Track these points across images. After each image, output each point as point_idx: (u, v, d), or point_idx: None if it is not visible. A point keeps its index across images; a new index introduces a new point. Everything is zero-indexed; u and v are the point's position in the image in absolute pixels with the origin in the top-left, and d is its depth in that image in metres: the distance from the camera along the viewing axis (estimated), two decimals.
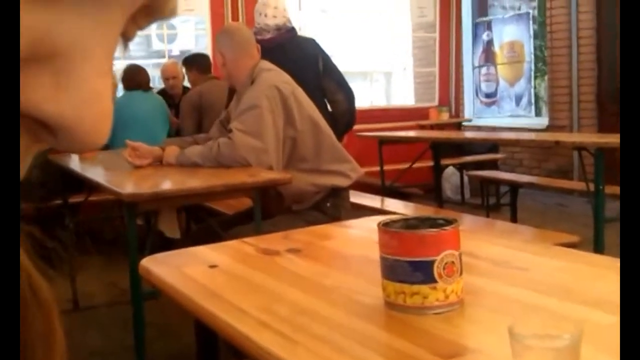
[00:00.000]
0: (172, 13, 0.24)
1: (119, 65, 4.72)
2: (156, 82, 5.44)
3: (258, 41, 3.33)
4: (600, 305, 0.88)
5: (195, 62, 4.58)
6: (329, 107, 3.50)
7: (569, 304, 0.90)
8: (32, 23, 0.19)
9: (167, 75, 5.02)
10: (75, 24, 0.20)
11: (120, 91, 4.56)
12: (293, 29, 3.54)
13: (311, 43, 3.56)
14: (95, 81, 0.21)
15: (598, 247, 3.09)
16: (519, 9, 7.56)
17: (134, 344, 2.17)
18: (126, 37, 0.23)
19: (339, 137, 3.49)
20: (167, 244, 1.64)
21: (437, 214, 3.17)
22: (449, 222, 0.94)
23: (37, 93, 0.20)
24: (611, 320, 0.83)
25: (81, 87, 0.21)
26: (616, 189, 3.76)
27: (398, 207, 3.78)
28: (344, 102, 3.55)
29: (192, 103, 4.20)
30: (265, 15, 3.43)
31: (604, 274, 1.04)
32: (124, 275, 2.26)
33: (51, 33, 0.20)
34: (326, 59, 3.52)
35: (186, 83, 5.13)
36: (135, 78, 4.48)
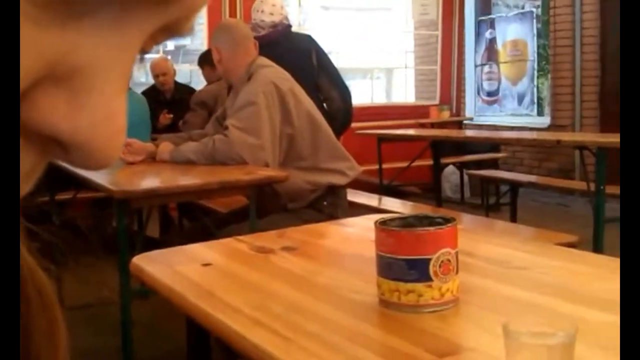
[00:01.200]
0: (190, 31, 0.24)
1: None
2: (149, 78, 5.40)
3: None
4: (597, 304, 0.87)
5: (205, 59, 4.41)
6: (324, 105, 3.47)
7: (565, 302, 0.89)
8: (51, 43, 0.19)
9: (157, 72, 4.94)
10: (94, 44, 0.21)
11: None
12: (289, 25, 3.51)
13: (305, 39, 3.50)
14: (111, 100, 0.21)
15: (597, 247, 3.07)
16: (523, 7, 7.55)
17: (121, 344, 2.14)
18: (143, 52, 0.24)
19: (335, 136, 3.45)
20: (157, 244, 1.62)
21: (436, 213, 3.15)
22: (446, 220, 0.93)
23: (53, 111, 0.20)
24: (607, 319, 0.82)
25: (97, 106, 0.21)
26: (617, 189, 3.74)
27: (396, 205, 3.76)
28: (338, 99, 3.50)
29: (203, 102, 4.07)
30: (262, 12, 3.39)
31: (600, 273, 1.04)
32: (112, 275, 2.22)
33: (70, 53, 0.20)
34: (321, 55, 3.46)
35: (177, 79, 5.09)
36: None
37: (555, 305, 0.89)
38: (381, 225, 0.93)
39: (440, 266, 0.89)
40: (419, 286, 0.89)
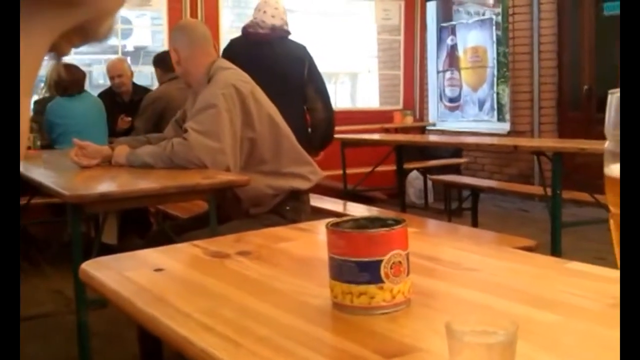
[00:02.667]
0: (107, 36, 0.24)
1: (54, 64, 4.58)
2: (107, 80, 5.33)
3: (250, 34, 3.41)
4: (543, 305, 0.88)
5: (160, 61, 4.41)
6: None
7: (513, 303, 0.90)
8: None
9: (113, 74, 4.85)
10: None
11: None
12: (287, 32, 3.57)
13: (301, 48, 3.57)
14: None
15: (555, 251, 3.12)
16: (483, 14, 7.66)
17: (78, 354, 2.09)
18: (59, 54, 0.23)
19: (317, 148, 3.52)
20: (114, 251, 1.58)
21: (387, 215, 3.17)
22: (397, 222, 0.93)
23: None
24: (552, 319, 0.83)
25: None
26: (574, 194, 3.81)
27: (360, 211, 3.78)
28: (322, 110, 3.57)
29: (152, 105, 4.04)
30: (265, 12, 3.47)
31: (549, 275, 1.05)
32: (68, 284, 2.17)
33: None
34: (312, 66, 3.53)
35: (138, 80, 5.03)
36: (66, 83, 4.27)
37: (502, 306, 0.89)
38: (332, 227, 0.93)
39: (391, 268, 0.89)
40: (371, 288, 0.88)
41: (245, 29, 3.54)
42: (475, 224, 4.44)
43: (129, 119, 4.54)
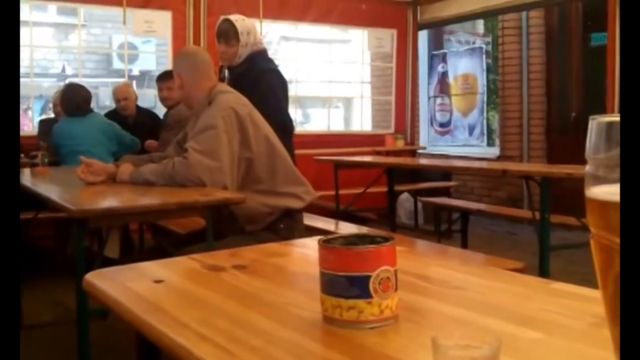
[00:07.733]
0: None
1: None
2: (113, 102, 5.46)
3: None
4: (526, 322, 0.91)
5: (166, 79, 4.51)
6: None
7: (498, 320, 0.93)
8: None
9: (119, 97, 5.00)
10: None
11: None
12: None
13: None
14: None
15: (543, 274, 3.16)
16: (473, 43, 7.78)
17: None
18: None
19: None
20: (116, 265, 1.62)
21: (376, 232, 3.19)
22: (386, 239, 0.96)
23: None
24: (534, 336, 0.86)
25: None
26: (562, 218, 3.86)
27: (351, 230, 3.81)
28: None
29: (181, 120, 4.07)
30: (255, 36, 3.61)
31: (533, 295, 1.08)
32: (71, 295, 2.21)
33: None
34: None
35: (142, 104, 5.15)
36: (72, 102, 4.36)
37: (487, 322, 0.92)
38: (324, 243, 0.96)
39: (379, 283, 0.91)
40: (360, 302, 0.91)
41: (267, 51, 3.65)
42: (464, 245, 4.48)
43: (156, 141, 4.62)
